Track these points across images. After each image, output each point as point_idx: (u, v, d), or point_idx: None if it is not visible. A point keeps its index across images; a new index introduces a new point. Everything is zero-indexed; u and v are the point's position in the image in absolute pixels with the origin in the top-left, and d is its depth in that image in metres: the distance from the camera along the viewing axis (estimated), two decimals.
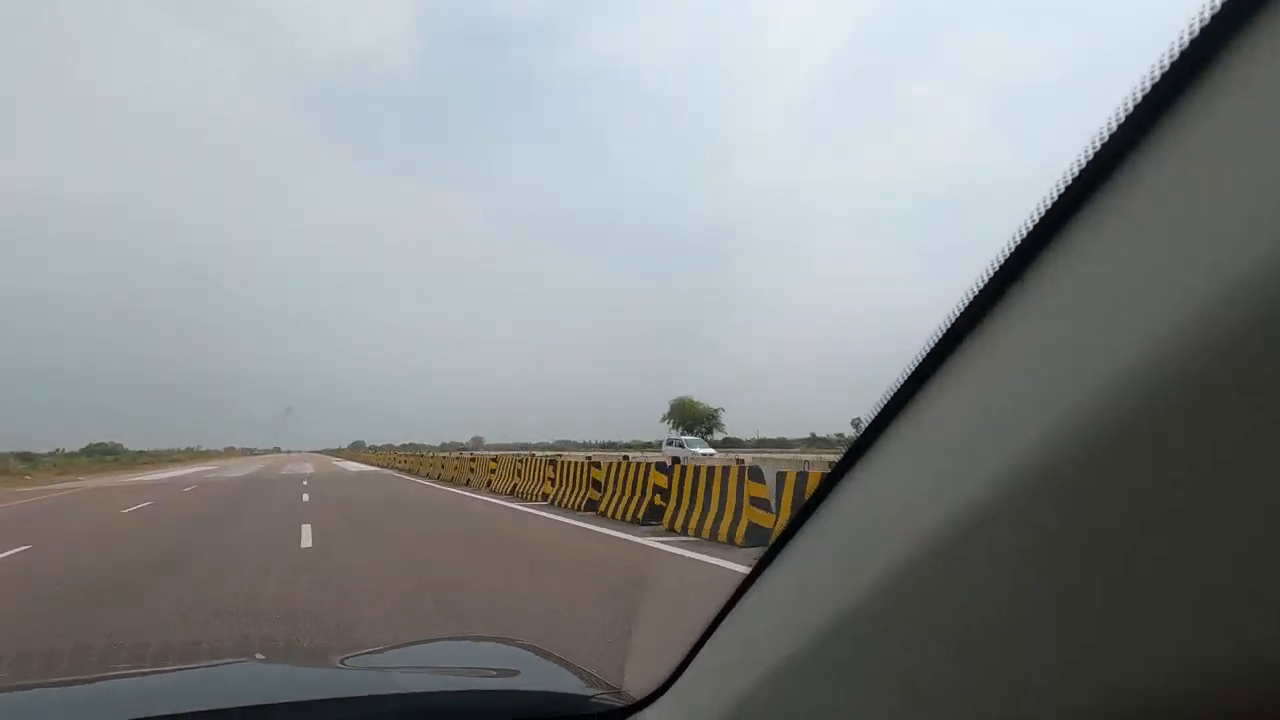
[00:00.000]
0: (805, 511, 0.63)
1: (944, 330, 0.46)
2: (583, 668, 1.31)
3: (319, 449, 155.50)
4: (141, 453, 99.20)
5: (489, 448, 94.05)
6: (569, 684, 1.25)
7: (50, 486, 28.60)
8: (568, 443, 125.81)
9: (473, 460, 21.82)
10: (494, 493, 16.38)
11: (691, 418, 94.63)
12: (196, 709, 1.02)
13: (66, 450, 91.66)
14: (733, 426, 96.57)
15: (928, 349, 0.48)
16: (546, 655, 1.43)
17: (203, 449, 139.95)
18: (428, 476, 25.89)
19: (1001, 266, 0.42)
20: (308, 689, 1.26)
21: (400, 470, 33.12)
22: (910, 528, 0.48)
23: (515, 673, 1.32)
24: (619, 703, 1.02)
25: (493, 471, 18.08)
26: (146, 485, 26.84)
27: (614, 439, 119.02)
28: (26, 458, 61.27)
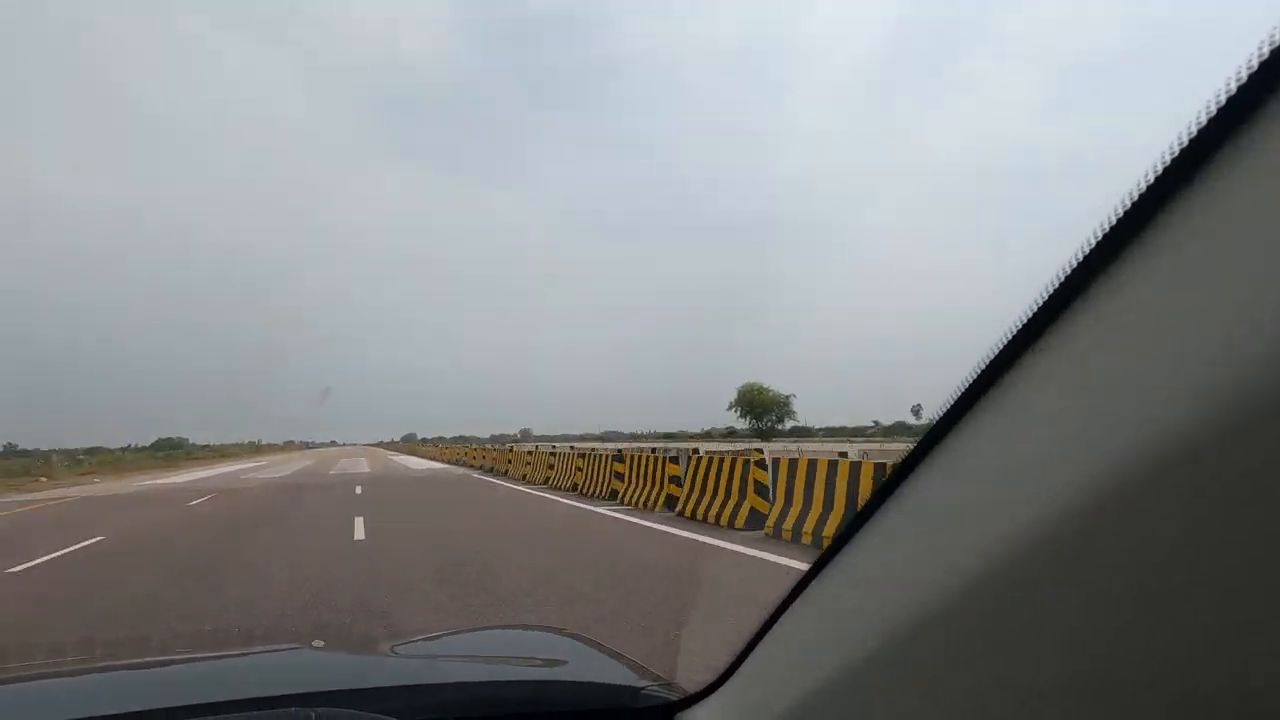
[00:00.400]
0: (870, 509, 0.60)
1: (1031, 315, 0.43)
2: (633, 659, 1.28)
3: (371, 442, 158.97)
4: (205, 447, 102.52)
5: (536, 440, 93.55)
6: (618, 675, 1.23)
7: (35, 496, 21.57)
8: (614, 433, 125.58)
9: (580, 457, 17.39)
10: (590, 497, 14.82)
11: (760, 406, 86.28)
12: (251, 695, 1.05)
13: (137, 445, 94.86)
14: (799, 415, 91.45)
15: (1009, 337, 0.45)
16: (596, 646, 1.41)
17: (263, 442, 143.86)
18: (525, 480, 18.91)
19: (1087, 256, 0.40)
20: (360, 677, 1.28)
21: (476, 468, 26.70)
22: (994, 532, 0.45)
23: (563, 663, 1.33)
24: (670, 696, 1.01)
25: (578, 470, 15.99)
26: (154, 494, 20.06)
27: (660, 428, 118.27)
28: (94, 452, 63.48)
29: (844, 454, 8.01)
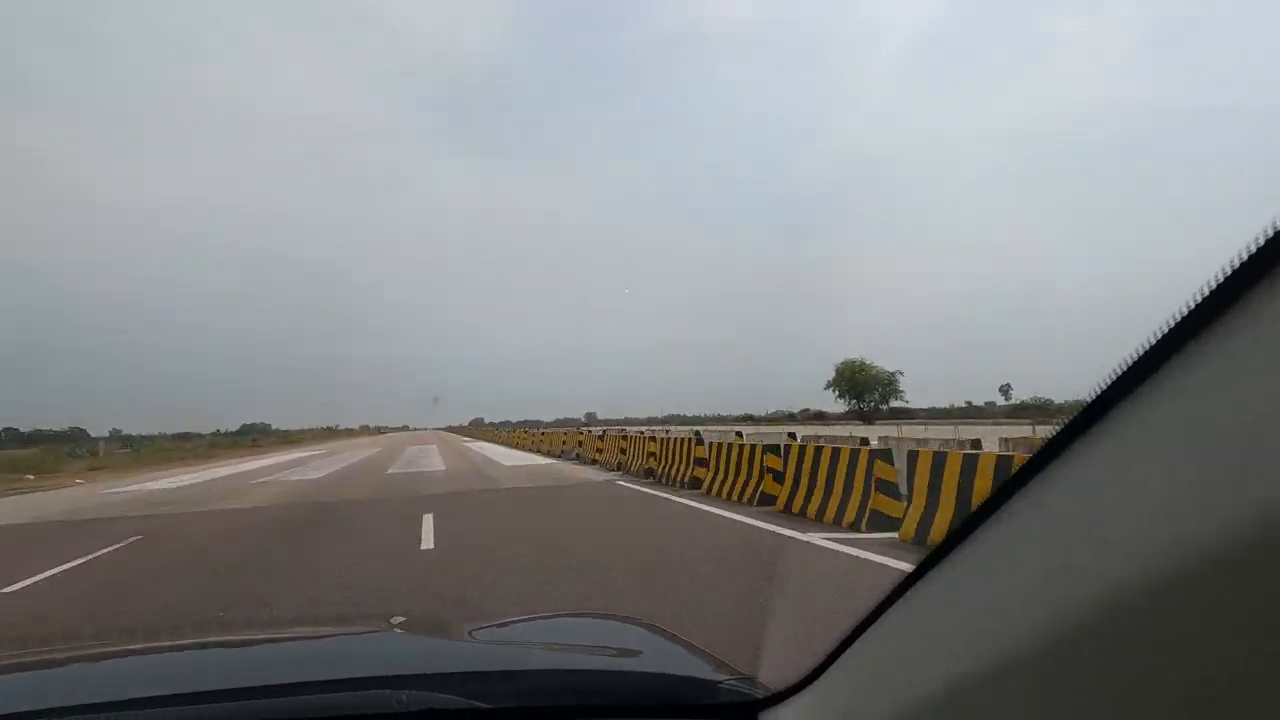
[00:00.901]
0: (986, 510, 0.56)
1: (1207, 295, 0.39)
2: (711, 653, 1.25)
3: (441, 426, 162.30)
4: (285, 432, 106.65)
5: (601, 423, 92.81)
6: (695, 669, 1.20)
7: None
8: (678, 416, 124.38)
9: (652, 440, 15.58)
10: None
11: (862, 384, 79.11)
12: (339, 676, 1.09)
13: (225, 430, 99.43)
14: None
15: (1177, 319, 0.40)
16: (672, 637, 1.40)
17: (340, 427, 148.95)
18: (647, 477, 14.08)
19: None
20: (442, 661, 1.30)
21: (573, 458, 21.25)
22: (1160, 539, 0.39)
23: (638, 653, 1.31)
24: (755, 693, 0.98)
25: (651, 455, 14.56)
26: (74, 519, 11.72)
27: (725, 411, 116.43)
28: (186, 437, 66.42)
29: (976, 442, 6.62)
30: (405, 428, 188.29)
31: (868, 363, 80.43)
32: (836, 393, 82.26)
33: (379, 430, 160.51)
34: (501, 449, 31.34)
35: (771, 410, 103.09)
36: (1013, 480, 0.53)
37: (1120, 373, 0.43)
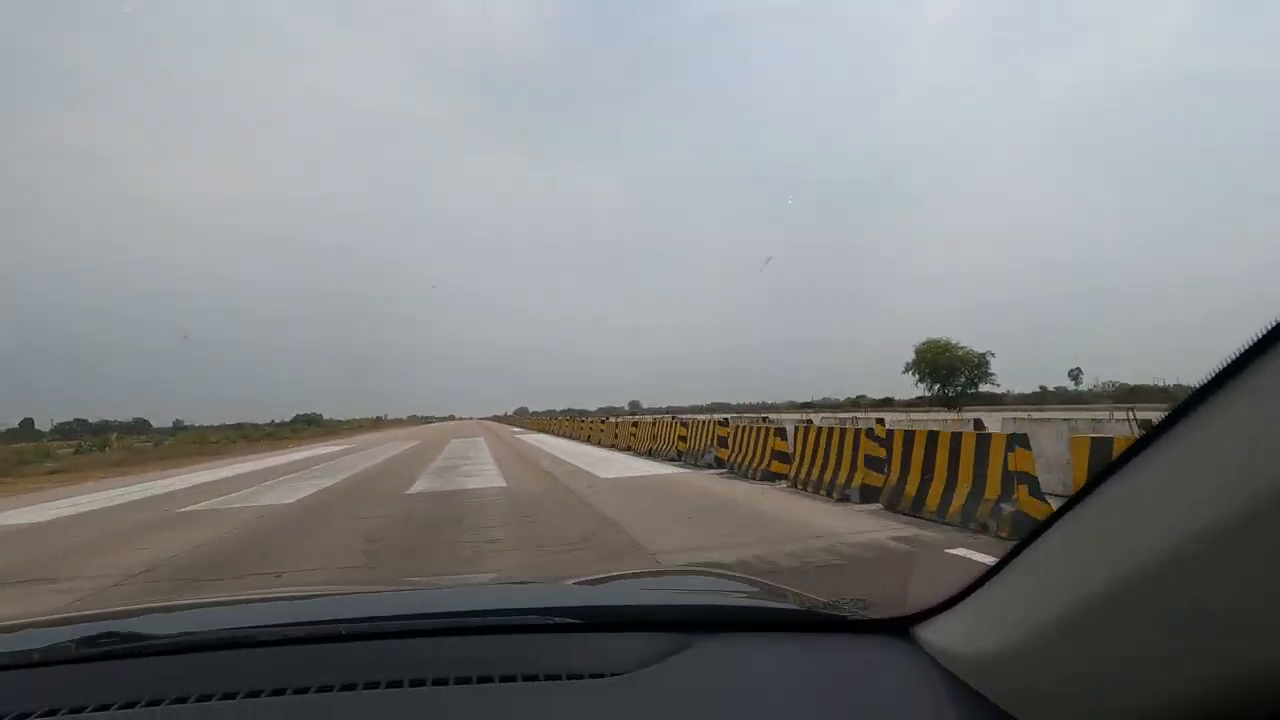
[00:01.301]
0: (1128, 456, 0.62)
1: None
2: (814, 596, 1.27)
3: (487, 415, 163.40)
4: (338, 422, 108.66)
5: (646, 412, 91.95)
6: (792, 601, 1.24)
7: None
8: (722, 404, 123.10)
9: (722, 426, 14.30)
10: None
11: (946, 366, 71.41)
12: (498, 606, 1.17)
13: (278, 421, 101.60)
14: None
15: None
16: (783, 588, 1.39)
17: (389, 417, 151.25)
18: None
19: None
20: (585, 597, 1.31)
21: (673, 457, 15.67)
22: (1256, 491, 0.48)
23: (744, 594, 1.34)
24: (903, 611, 1.03)
25: (720, 442, 13.65)
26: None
27: (769, 399, 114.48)
28: (239, 428, 67.94)
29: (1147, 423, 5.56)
30: (451, 417, 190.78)
31: (953, 342, 72.48)
32: (916, 376, 74.43)
33: (425, 420, 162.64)
34: (567, 444, 24.89)
35: (820, 397, 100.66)
36: (1164, 422, 0.58)
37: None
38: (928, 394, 73.39)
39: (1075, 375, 67.85)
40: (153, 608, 1.44)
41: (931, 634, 0.94)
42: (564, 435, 31.53)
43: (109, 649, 0.97)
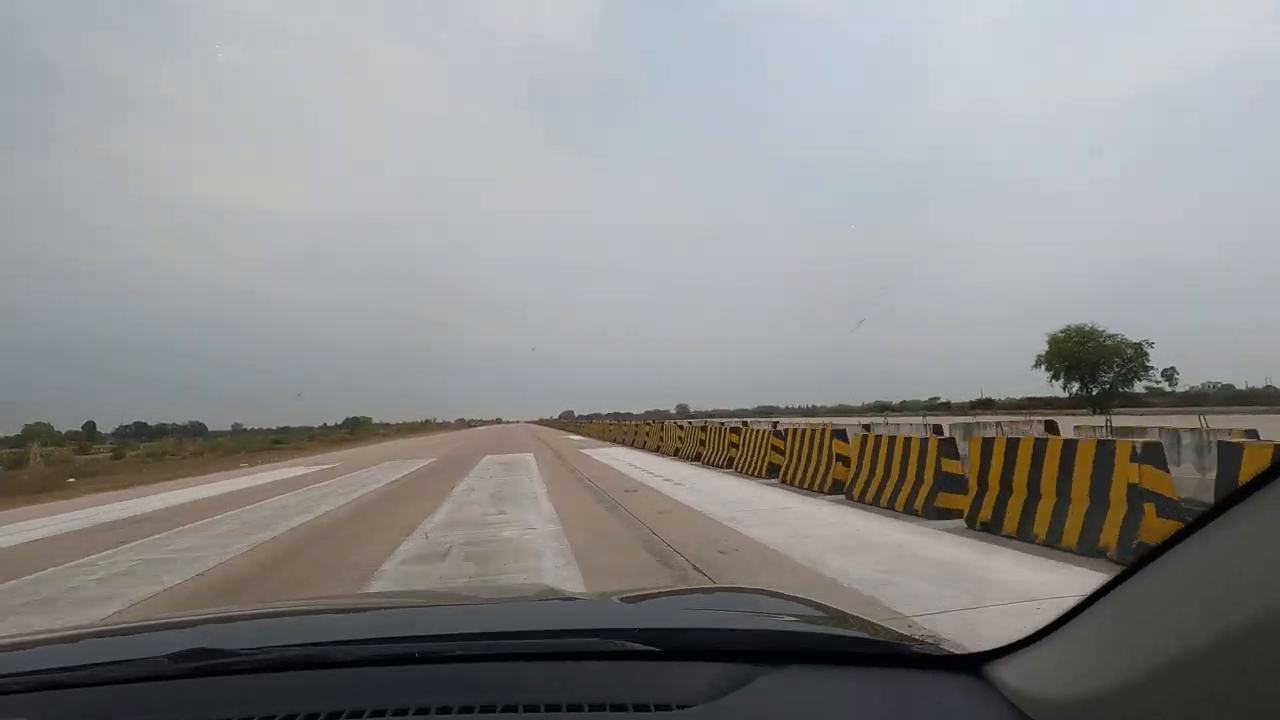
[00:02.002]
0: (1241, 493, 0.57)
1: None
2: (889, 627, 1.20)
3: (533, 419, 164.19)
4: (386, 425, 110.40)
5: (695, 416, 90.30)
6: (888, 633, 1.16)
7: None
8: (770, 408, 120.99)
9: (777, 437, 12.57)
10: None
11: (1091, 361, 56.82)
12: (560, 627, 1.15)
13: (329, 424, 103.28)
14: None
15: None
16: (843, 613, 1.34)
17: (437, 420, 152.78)
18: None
19: None
20: (633, 618, 1.27)
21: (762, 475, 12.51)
22: None
23: (804, 620, 1.27)
24: (977, 647, 0.98)
25: (775, 451, 11.89)
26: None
27: (817, 402, 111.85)
28: (285, 431, 68.96)
29: None
30: (498, 420, 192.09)
31: (1098, 329, 57.20)
32: (1051, 373, 59.84)
33: (470, 424, 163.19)
34: (648, 459, 18.25)
35: (887, 399, 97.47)
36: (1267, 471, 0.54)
37: None
38: (1066, 393, 60.62)
39: (1170, 375, 59.31)
40: (230, 616, 1.50)
41: (1007, 673, 0.89)
42: (636, 447, 24.34)
43: (199, 665, 0.98)
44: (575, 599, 1.62)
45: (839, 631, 1.18)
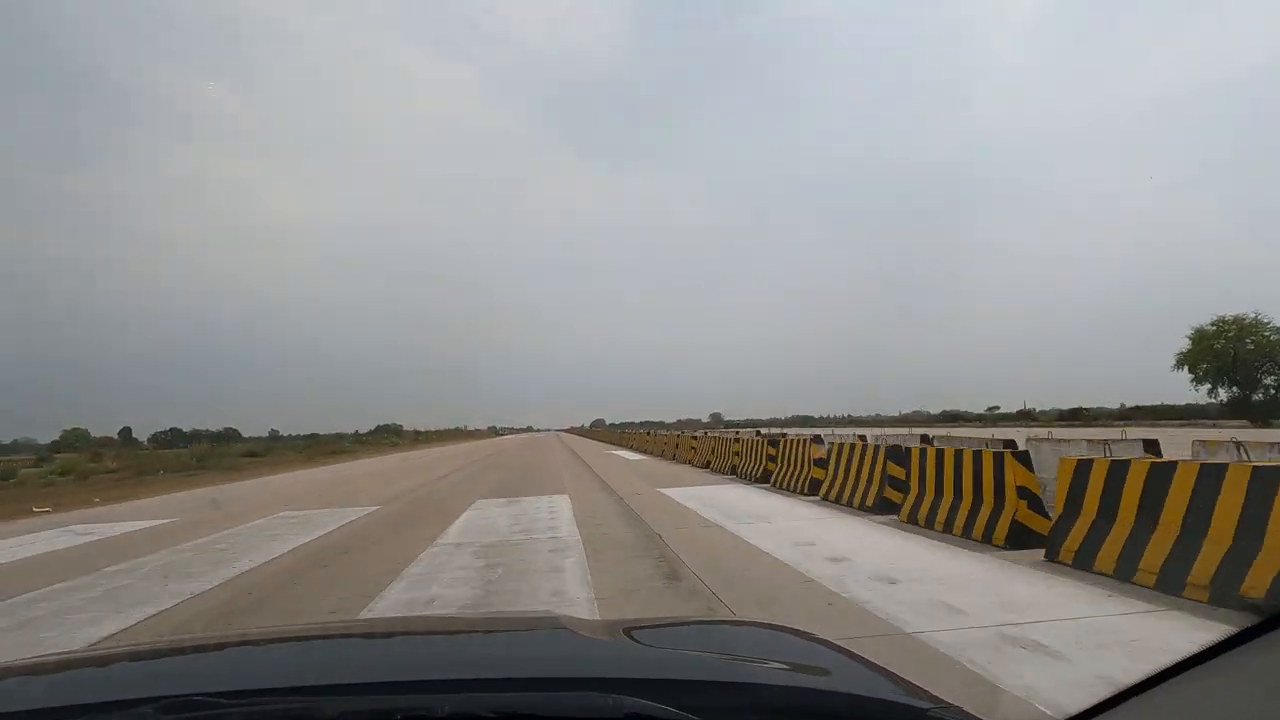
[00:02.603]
0: None
1: None
2: (902, 676, 1.11)
3: (563, 427, 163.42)
4: (419, 433, 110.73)
5: (729, 426, 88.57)
6: (893, 693, 1.07)
7: None
8: (805, 418, 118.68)
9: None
10: None
11: (1248, 360, 46.45)
12: (556, 675, 1.08)
13: (360, 431, 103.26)
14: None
15: None
16: (852, 655, 1.25)
17: (469, 428, 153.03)
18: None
19: None
20: (631, 666, 1.22)
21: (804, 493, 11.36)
22: None
23: (825, 671, 1.17)
24: (1026, 715, 1.31)
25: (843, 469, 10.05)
26: None
27: (853, 412, 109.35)
28: (313, 438, 69.13)
29: None
30: (529, 428, 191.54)
31: (1262, 320, 46.42)
32: (1194, 378, 49.48)
33: (500, 432, 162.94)
34: (720, 490, 12.94)
35: (904, 412, 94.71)
36: None
37: None
38: (1213, 399, 51.09)
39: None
40: (211, 645, 1.45)
41: None
42: (691, 464, 20.37)
43: (185, 717, 0.90)
44: (584, 637, 1.45)
45: (892, 697, 1.04)
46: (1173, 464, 4.98)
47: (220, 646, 1.43)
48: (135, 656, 1.34)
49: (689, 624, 1.97)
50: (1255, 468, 4.39)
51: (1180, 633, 3.93)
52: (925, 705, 0.96)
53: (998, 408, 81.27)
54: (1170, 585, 4.64)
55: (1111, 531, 5.33)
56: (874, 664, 1.21)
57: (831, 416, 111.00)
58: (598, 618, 4.81)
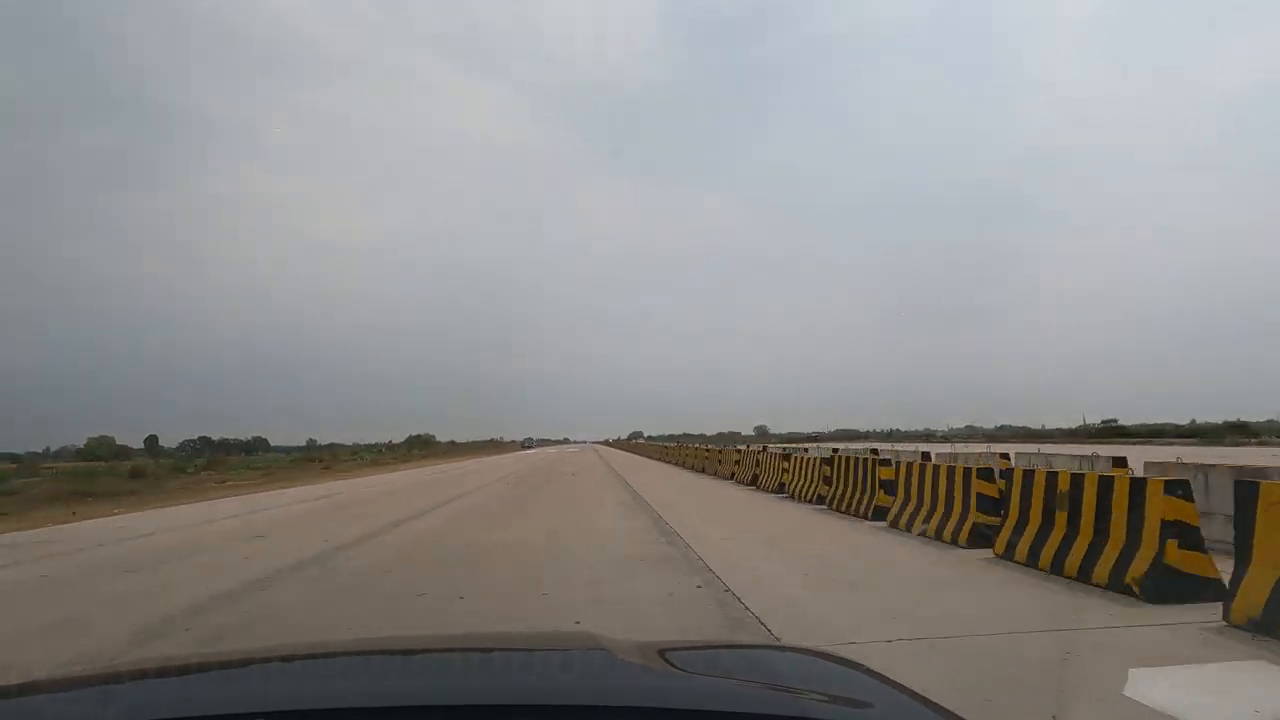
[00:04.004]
0: None
1: None
2: (947, 707, 1.07)
3: (600, 440, 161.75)
4: (452, 443, 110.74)
5: (775, 440, 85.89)
6: None
7: None
8: (849, 431, 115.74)
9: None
10: None
11: None
12: (564, 702, 1.08)
13: (393, 441, 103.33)
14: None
15: None
16: (894, 685, 1.21)
17: (506, 439, 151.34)
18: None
19: None
20: (661, 694, 1.19)
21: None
22: None
23: (868, 704, 1.12)
24: None
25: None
26: None
27: (900, 426, 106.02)
28: (332, 448, 69.12)
29: None
30: (565, 440, 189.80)
31: None
32: None
33: (523, 445, 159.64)
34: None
35: (980, 423, 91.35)
36: None
37: None
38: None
39: None
40: (247, 660, 1.48)
41: None
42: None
43: None
44: (623, 662, 1.35)
45: None
46: None
47: (265, 661, 1.47)
48: (165, 672, 1.42)
49: (727, 648, 2.00)
50: None
51: None
52: None
53: (1091, 424, 75.81)
54: None
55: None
56: (916, 694, 1.17)
57: (879, 430, 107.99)
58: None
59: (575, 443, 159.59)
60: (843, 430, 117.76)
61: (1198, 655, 4.03)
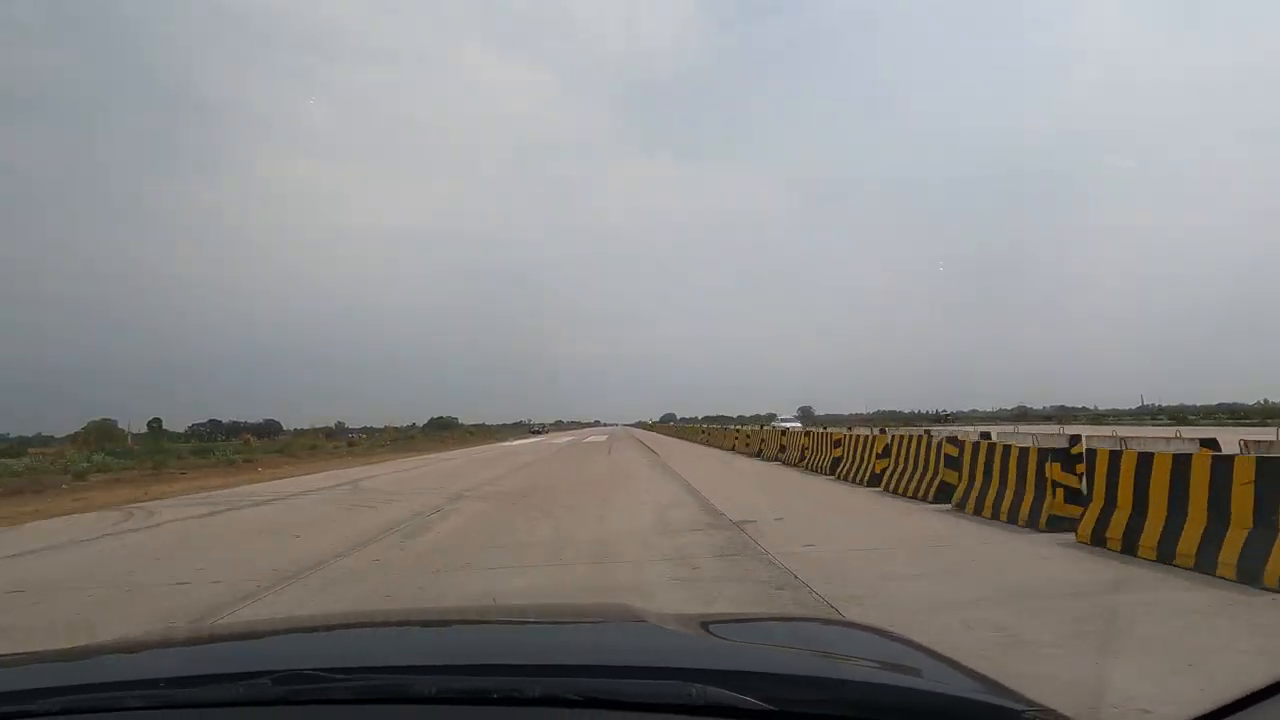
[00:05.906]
0: None
1: None
2: (990, 676, 1.13)
3: (632, 421, 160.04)
4: (478, 426, 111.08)
5: (818, 421, 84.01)
6: (986, 694, 1.08)
7: None
8: (889, 413, 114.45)
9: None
10: None
11: None
12: (635, 664, 1.16)
13: (419, 424, 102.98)
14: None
15: None
16: (940, 656, 1.27)
17: (533, 422, 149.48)
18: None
19: None
20: (721, 658, 1.26)
21: None
22: None
23: (916, 670, 1.20)
24: None
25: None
26: None
27: (941, 407, 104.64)
28: (369, 430, 70.15)
29: None
30: (596, 423, 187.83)
31: None
32: None
33: (567, 427, 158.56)
34: None
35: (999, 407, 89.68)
36: None
37: None
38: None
39: None
40: (312, 626, 1.78)
41: None
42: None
43: (297, 689, 1.01)
44: (665, 629, 1.47)
45: (937, 696, 1.05)
46: None
47: (328, 628, 1.69)
48: (249, 635, 1.67)
49: (772, 619, 2.19)
50: None
51: None
52: (1020, 707, 0.97)
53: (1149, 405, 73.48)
54: None
55: None
56: (965, 666, 1.20)
57: (922, 412, 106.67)
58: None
59: (605, 426, 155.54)
60: (884, 412, 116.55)
61: None
